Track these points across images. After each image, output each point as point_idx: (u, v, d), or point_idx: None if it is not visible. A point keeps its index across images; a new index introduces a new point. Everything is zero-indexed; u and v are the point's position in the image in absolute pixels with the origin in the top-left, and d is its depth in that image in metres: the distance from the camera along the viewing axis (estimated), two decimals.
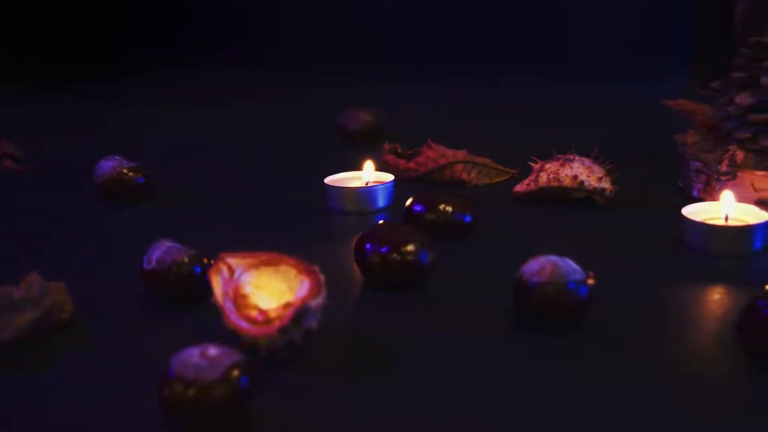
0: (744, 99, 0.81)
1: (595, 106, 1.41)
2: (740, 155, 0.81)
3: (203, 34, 2.03)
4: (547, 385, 0.52)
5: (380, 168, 0.92)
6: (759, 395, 0.50)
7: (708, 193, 0.83)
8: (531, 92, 1.58)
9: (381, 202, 0.87)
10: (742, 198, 0.80)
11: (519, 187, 0.87)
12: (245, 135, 1.27)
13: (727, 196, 0.74)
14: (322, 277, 0.56)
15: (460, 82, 1.70)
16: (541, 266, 0.57)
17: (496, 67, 1.70)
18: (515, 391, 0.51)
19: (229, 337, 0.54)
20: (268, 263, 0.58)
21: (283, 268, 0.58)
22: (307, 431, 0.47)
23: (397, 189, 0.88)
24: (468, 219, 0.77)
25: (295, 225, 0.83)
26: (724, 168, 0.81)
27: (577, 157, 0.85)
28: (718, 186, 0.82)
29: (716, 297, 0.64)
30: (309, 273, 0.57)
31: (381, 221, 0.73)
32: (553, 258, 0.58)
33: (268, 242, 0.76)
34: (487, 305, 0.62)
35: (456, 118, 1.36)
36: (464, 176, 0.95)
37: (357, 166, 0.90)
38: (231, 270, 0.57)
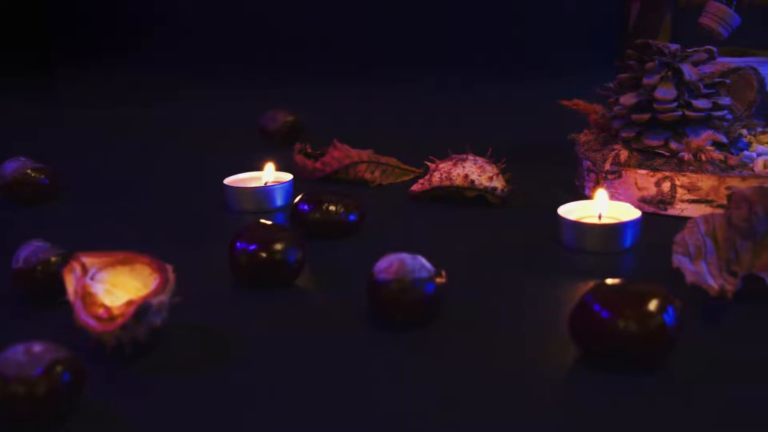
0: (628, 99, 0.82)
1: (517, 105, 1.42)
2: (624, 154, 0.82)
3: (126, 34, 2.02)
4: (390, 381, 0.53)
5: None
6: (581, 391, 0.51)
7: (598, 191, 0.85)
8: (452, 93, 1.59)
9: (279, 201, 0.88)
10: (626, 196, 0.82)
11: (415, 187, 0.89)
12: (165, 135, 1.28)
13: (600, 195, 0.75)
14: (171, 276, 0.57)
15: (383, 82, 1.71)
16: (389, 263, 0.59)
17: (418, 68, 1.72)
18: (357, 388, 0.52)
19: (80, 334, 0.55)
20: (123, 262, 0.59)
21: (138, 266, 0.59)
22: (132, 429, 0.48)
23: (301, 188, 0.89)
24: (353, 218, 0.78)
25: (189, 225, 0.84)
26: (607, 167, 0.83)
27: (470, 157, 0.87)
28: (605, 184, 0.84)
29: (573, 293, 0.65)
30: (160, 271, 0.58)
31: (261, 221, 0.74)
32: (403, 255, 0.59)
33: (156, 242, 0.79)
34: (349, 303, 0.63)
35: (376, 118, 1.37)
36: (367, 176, 0.96)
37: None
38: (84, 269, 0.58)
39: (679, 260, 0.63)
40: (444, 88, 1.62)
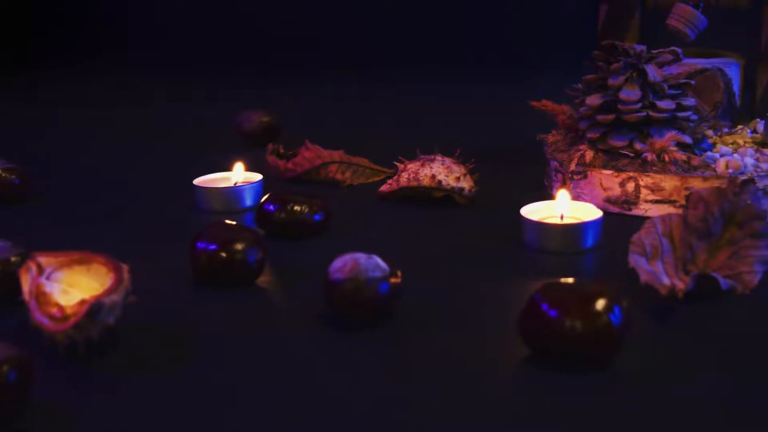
0: (593, 100, 0.83)
1: (492, 105, 1.42)
2: (589, 155, 0.83)
3: (101, 34, 2.02)
4: (342, 381, 0.53)
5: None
6: (531, 390, 0.52)
7: None
8: (429, 93, 1.59)
9: (248, 201, 0.88)
10: (592, 197, 0.82)
11: (384, 187, 0.89)
12: (141, 136, 1.28)
13: (561, 195, 0.76)
14: (126, 275, 0.57)
15: (361, 83, 1.71)
16: (343, 263, 0.59)
17: (396, 69, 1.72)
18: (309, 387, 0.52)
19: (35, 333, 0.55)
20: (79, 262, 0.60)
21: (94, 266, 0.60)
22: (81, 427, 0.49)
23: (271, 189, 0.89)
24: (318, 218, 0.78)
25: (158, 225, 0.85)
26: (572, 167, 0.83)
27: (438, 157, 0.87)
28: (571, 185, 0.84)
29: (530, 293, 0.65)
30: (115, 271, 0.58)
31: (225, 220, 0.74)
32: (358, 255, 0.59)
33: (122, 242, 0.79)
34: (307, 303, 0.64)
35: (354, 118, 1.37)
36: (338, 176, 0.97)
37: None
38: (40, 268, 0.58)
39: (635, 260, 0.64)
40: (420, 89, 1.62)
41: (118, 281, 0.57)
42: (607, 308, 0.51)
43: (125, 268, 0.58)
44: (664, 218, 0.66)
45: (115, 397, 0.51)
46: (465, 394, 0.51)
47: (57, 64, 1.94)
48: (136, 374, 0.54)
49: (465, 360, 0.55)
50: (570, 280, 0.56)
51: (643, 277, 0.62)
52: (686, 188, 0.77)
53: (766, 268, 0.63)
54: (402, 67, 1.73)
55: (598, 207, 0.81)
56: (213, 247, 0.67)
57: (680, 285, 0.61)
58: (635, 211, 0.80)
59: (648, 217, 0.78)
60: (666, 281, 0.63)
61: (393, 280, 0.59)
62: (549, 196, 0.87)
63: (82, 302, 0.55)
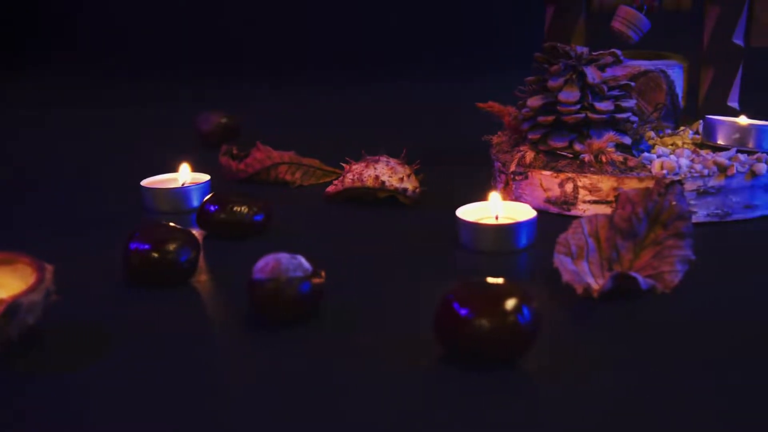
0: (534, 102, 0.84)
1: (445, 105, 1.43)
2: (530, 155, 0.83)
3: (64, 32, 2.02)
4: (260, 380, 0.54)
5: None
6: (443, 389, 0.52)
7: (507, 193, 0.86)
8: (391, 92, 1.60)
9: (195, 202, 0.89)
10: (533, 197, 0.83)
11: (330, 188, 0.90)
12: (99, 136, 1.29)
13: (493, 197, 0.77)
14: (48, 275, 0.58)
15: (324, 83, 1.71)
16: (265, 263, 0.60)
17: (356, 69, 1.73)
18: (219, 386, 0.53)
19: None
20: (4, 262, 0.60)
21: (20, 266, 0.60)
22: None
23: (221, 190, 0.90)
24: (258, 218, 0.79)
25: (103, 226, 0.85)
26: (513, 168, 0.84)
27: (383, 158, 0.88)
28: (513, 185, 0.85)
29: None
30: (38, 270, 0.58)
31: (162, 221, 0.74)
32: (280, 255, 0.60)
33: (62, 242, 0.80)
34: (236, 303, 0.64)
35: (316, 119, 1.38)
36: (288, 177, 0.97)
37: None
38: None
39: (560, 260, 0.64)
40: (381, 89, 1.62)
41: (39, 281, 0.57)
42: (516, 308, 0.52)
43: (49, 268, 0.59)
44: (590, 218, 0.67)
45: (29, 397, 0.52)
46: (375, 394, 0.51)
47: (10, 64, 1.94)
48: (54, 373, 0.55)
49: (379, 359, 0.55)
50: (493, 279, 0.57)
51: (565, 277, 0.62)
52: (614, 189, 0.78)
53: (687, 267, 0.64)
54: (366, 69, 1.74)
55: (539, 207, 0.82)
56: (145, 247, 0.67)
57: (596, 285, 0.62)
58: (574, 212, 0.81)
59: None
60: (590, 281, 0.64)
61: (316, 280, 0.60)
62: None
63: (0, 302, 0.56)
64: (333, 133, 1.25)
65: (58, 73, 1.87)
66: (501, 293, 0.53)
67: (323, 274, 0.61)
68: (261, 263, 0.60)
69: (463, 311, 0.52)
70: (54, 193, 0.98)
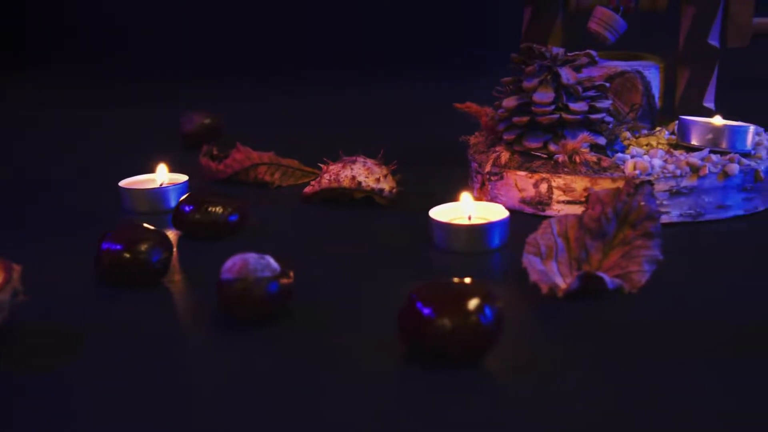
0: (509, 102, 0.84)
1: (424, 105, 1.43)
2: (505, 156, 0.84)
3: (51, 33, 2.02)
4: (228, 380, 0.54)
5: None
6: (405, 388, 0.53)
7: (484, 193, 0.86)
8: (372, 93, 1.60)
9: (173, 202, 0.89)
10: (508, 197, 0.84)
11: (307, 189, 0.90)
12: (81, 137, 1.29)
13: (465, 197, 0.77)
14: (15, 275, 0.58)
15: (307, 84, 1.71)
16: (233, 263, 0.60)
17: (337, 70, 1.73)
18: (187, 386, 0.53)
19: None
20: None
21: None
22: None
23: (199, 190, 0.90)
24: (233, 218, 0.79)
25: (80, 227, 0.85)
26: (488, 168, 0.84)
27: (360, 158, 0.88)
28: (489, 186, 0.85)
29: None
30: (5, 270, 0.59)
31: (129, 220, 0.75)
32: (248, 255, 0.60)
33: (40, 243, 0.80)
34: (207, 303, 0.65)
35: (301, 120, 1.38)
36: (267, 178, 0.97)
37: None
38: None
39: (528, 260, 0.65)
40: (365, 90, 1.62)
41: (5, 281, 0.57)
42: (478, 308, 0.52)
43: (16, 268, 0.59)
44: (560, 219, 0.67)
45: None
46: (338, 394, 0.52)
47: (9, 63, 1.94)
48: (23, 373, 0.55)
49: (343, 359, 0.56)
50: (458, 279, 0.57)
51: (533, 277, 0.63)
52: (585, 189, 0.78)
53: (655, 267, 0.64)
54: (354, 70, 1.74)
55: (514, 208, 0.82)
56: (116, 247, 0.67)
57: (562, 285, 0.62)
58: (549, 212, 0.81)
59: None
60: (559, 281, 0.64)
61: (284, 280, 0.60)
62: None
63: None
64: (317, 133, 1.25)
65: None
66: (464, 293, 0.53)
67: (292, 274, 0.61)
68: (229, 263, 0.60)
69: (426, 311, 0.53)
70: (36, 193, 0.98)
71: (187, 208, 0.79)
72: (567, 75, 0.82)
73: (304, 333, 0.60)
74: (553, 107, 0.82)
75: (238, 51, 1.88)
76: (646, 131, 0.91)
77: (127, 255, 0.67)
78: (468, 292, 0.53)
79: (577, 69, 0.84)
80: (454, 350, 0.53)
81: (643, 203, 0.66)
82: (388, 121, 1.33)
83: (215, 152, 1.02)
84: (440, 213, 0.77)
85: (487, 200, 0.85)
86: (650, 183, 0.67)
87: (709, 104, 0.94)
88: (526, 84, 0.83)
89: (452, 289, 0.54)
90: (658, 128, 0.91)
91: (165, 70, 1.82)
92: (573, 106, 0.82)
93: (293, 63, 1.82)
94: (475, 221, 0.76)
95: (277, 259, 0.61)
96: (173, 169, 0.93)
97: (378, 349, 0.57)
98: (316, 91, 1.62)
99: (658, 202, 0.75)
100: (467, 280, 0.56)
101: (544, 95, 0.82)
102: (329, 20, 1.91)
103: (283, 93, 1.63)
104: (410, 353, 0.55)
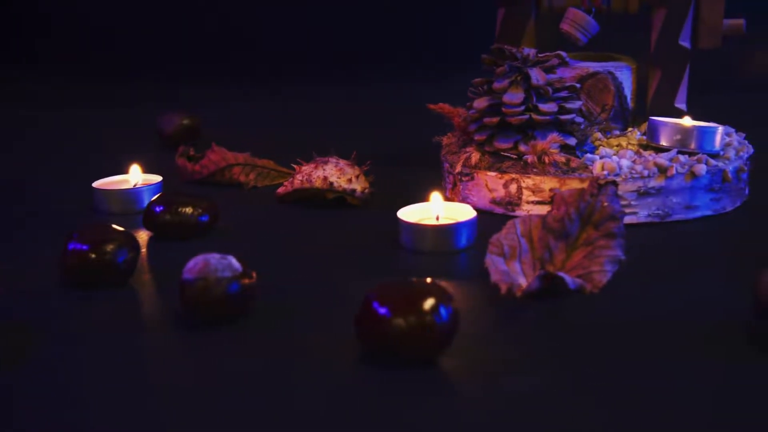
0: (480, 103, 0.84)
1: (404, 105, 1.42)
2: (475, 157, 0.84)
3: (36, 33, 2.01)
4: (191, 380, 0.54)
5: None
6: (361, 388, 0.53)
7: (456, 194, 0.87)
8: (349, 94, 1.60)
9: (147, 203, 0.89)
10: (479, 198, 0.84)
11: (280, 189, 0.90)
12: (62, 138, 1.29)
13: (435, 197, 0.77)
14: None
15: (286, 84, 1.71)
16: (194, 263, 0.60)
17: (316, 72, 1.73)
18: (145, 386, 0.54)
19: None
20: None
21: None
22: None
23: (173, 191, 0.90)
24: (204, 219, 0.80)
25: (53, 228, 0.85)
26: (458, 169, 0.85)
27: (332, 159, 0.88)
28: (461, 186, 0.86)
29: None
30: None
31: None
32: (210, 255, 0.61)
33: (6, 244, 0.80)
34: (168, 303, 0.65)
35: (276, 121, 1.38)
36: (242, 178, 0.98)
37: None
38: None
39: (491, 260, 0.65)
40: (344, 91, 1.62)
41: None
42: (433, 308, 0.53)
43: None
44: (524, 219, 0.68)
45: None
46: (293, 394, 0.52)
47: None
48: None
49: (303, 359, 0.56)
50: (415, 279, 0.57)
51: (494, 277, 0.63)
52: (550, 189, 0.78)
53: (617, 267, 0.65)
54: (326, 69, 1.74)
55: (485, 208, 0.83)
56: (82, 247, 0.68)
57: (522, 285, 0.62)
58: (518, 212, 0.82)
59: None
60: (522, 281, 0.65)
61: (245, 280, 0.61)
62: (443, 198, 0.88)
63: None
64: (295, 134, 1.25)
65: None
66: (420, 293, 0.54)
67: (254, 274, 0.62)
68: (191, 263, 0.61)
69: (381, 310, 0.53)
70: (10, 193, 0.98)
71: (157, 209, 0.79)
72: (536, 76, 0.82)
73: (267, 333, 0.60)
74: (523, 108, 0.82)
75: (218, 52, 1.87)
76: (618, 132, 0.91)
77: (93, 255, 0.67)
78: (424, 292, 0.54)
79: (549, 70, 0.85)
80: (409, 350, 0.53)
81: (606, 204, 0.66)
82: (365, 121, 1.33)
83: (192, 153, 1.02)
84: (409, 213, 0.77)
85: (459, 201, 0.85)
86: (614, 183, 0.67)
87: (681, 105, 0.94)
88: (496, 85, 0.83)
89: (409, 289, 0.55)
90: (630, 129, 0.92)
91: (147, 71, 1.82)
92: (543, 107, 0.82)
93: (271, 64, 1.81)
94: (442, 221, 0.76)
95: (240, 260, 0.61)
96: (151, 170, 0.94)
97: (337, 349, 0.57)
98: (295, 92, 1.62)
99: (623, 202, 0.76)
100: (427, 280, 0.56)
101: (514, 96, 0.82)
102: (303, 22, 1.90)
103: (261, 94, 1.63)
104: (368, 353, 0.56)
